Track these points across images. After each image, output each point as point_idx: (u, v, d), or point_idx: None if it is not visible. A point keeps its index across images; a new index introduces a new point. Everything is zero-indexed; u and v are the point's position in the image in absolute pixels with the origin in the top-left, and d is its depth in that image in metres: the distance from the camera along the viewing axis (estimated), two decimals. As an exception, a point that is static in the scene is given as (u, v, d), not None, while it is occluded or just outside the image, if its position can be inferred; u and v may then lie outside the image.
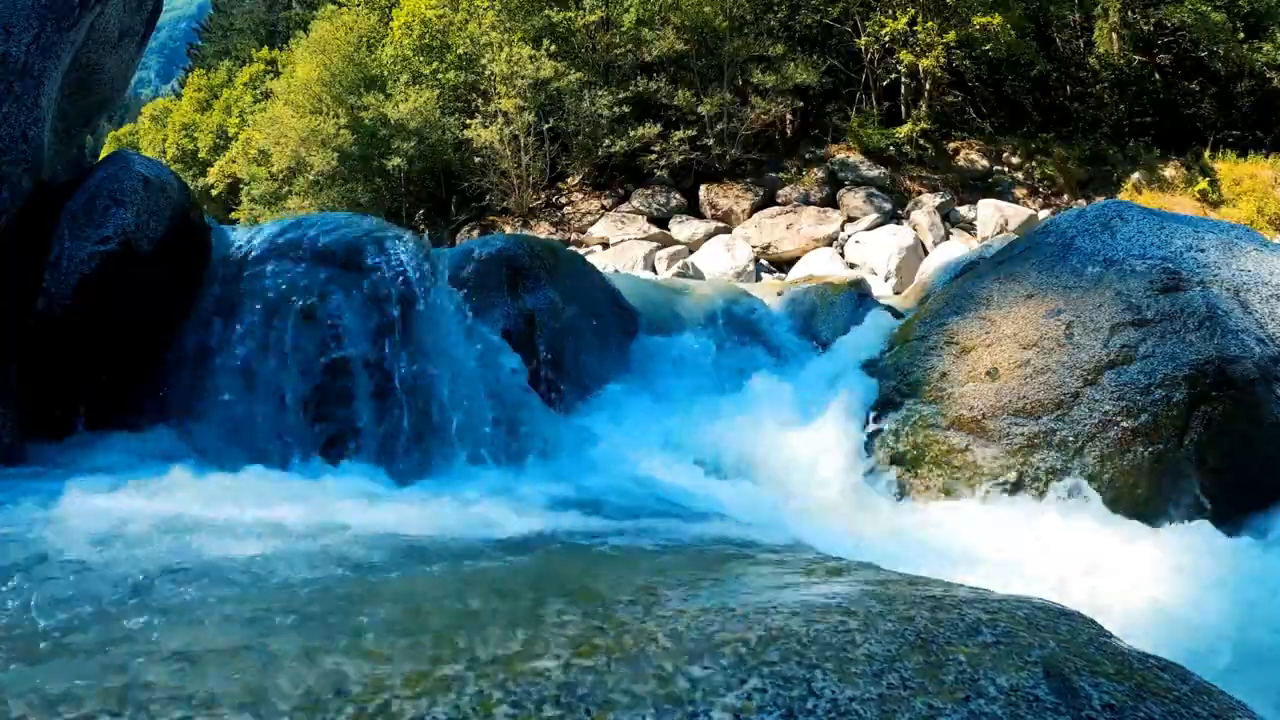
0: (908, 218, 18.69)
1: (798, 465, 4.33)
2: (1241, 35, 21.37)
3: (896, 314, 5.58)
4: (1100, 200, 8.89)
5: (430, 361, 4.18)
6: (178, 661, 1.64)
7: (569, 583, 2.19)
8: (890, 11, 20.20)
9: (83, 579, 2.21)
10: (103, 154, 4.61)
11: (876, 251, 16.79)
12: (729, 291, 6.00)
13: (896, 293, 13.02)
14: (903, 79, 20.53)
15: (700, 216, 19.84)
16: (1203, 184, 19.57)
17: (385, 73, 22.58)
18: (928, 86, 20.50)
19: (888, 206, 18.97)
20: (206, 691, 1.49)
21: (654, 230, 19.14)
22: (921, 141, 20.18)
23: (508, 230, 19.68)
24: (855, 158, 20.27)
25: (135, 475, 3.34)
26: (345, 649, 1.67)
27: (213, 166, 29.41)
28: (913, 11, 19.79)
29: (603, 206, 20.57)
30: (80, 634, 1.84)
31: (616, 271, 12.88)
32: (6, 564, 2.30)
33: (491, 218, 21.18)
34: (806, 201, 19.63)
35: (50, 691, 1.50)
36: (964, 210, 18.98)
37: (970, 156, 20.93)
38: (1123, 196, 18.38)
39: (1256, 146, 20.85)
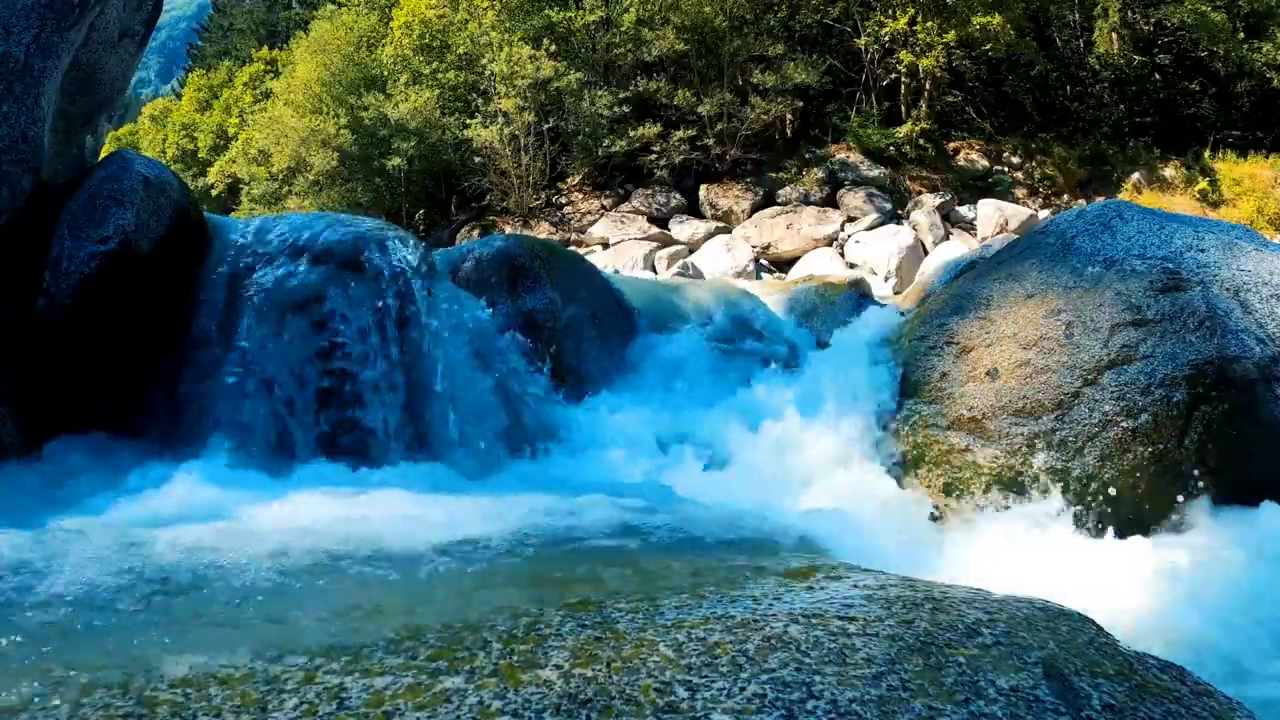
0: (908, 218, 18.68)
1: (797, 464, 4.33)
2: (1241, 35, 21.36)
3: (896, 314, 5.57)
4: (1100, 200, 8.88)
5: (430, 360, 4.18)
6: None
7: (568, 591, 2.18)
8: (890, 11, 20.18)
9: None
10: (103, 154, 4.60)
11: (876, 251, 16.78)
12: (729, 291, 6.00)
13: (896, 293, 13.01)
14: (903, 79, 20.51)
15: (700, 216, 19.83)
16: (1203, 184, 19.56)
17: (385, 73, 22.56)
18: (928, 86, 20.48)
19: (888, 206, 18.95)
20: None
21: (654, 230, 19.13)
22: (921, 141, 20.16)
23: (508, 230, 19.67)
24: (855, 158, 20.26)
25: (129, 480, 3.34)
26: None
27: (213, 166, 29.37)
28: (912, 11, 19.77)
29: (603, 206, 20.56)
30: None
31: (616, 271, 12.87)
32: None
33: (491, 218, 21.16)
34: (806, 201, 19.61)
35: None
36: (964, 210, 18.96)
37: (970, 156, 20.92)
38: (1123, 196, 18.37)
39: (1256, 146, 20.84)
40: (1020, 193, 20.23)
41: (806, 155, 20.77)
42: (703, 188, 20.17)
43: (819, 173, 20.09)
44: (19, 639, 1.85)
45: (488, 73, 20.41)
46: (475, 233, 20.18)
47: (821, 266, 16.41)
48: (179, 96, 39.72)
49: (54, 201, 3.96)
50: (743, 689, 1.46)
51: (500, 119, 20.20)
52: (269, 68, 31.09)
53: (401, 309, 4.16)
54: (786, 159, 20.80)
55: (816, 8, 21.32)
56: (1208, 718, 1.61)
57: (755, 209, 19.60)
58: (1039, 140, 21.10)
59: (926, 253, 17.04)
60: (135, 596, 2.13)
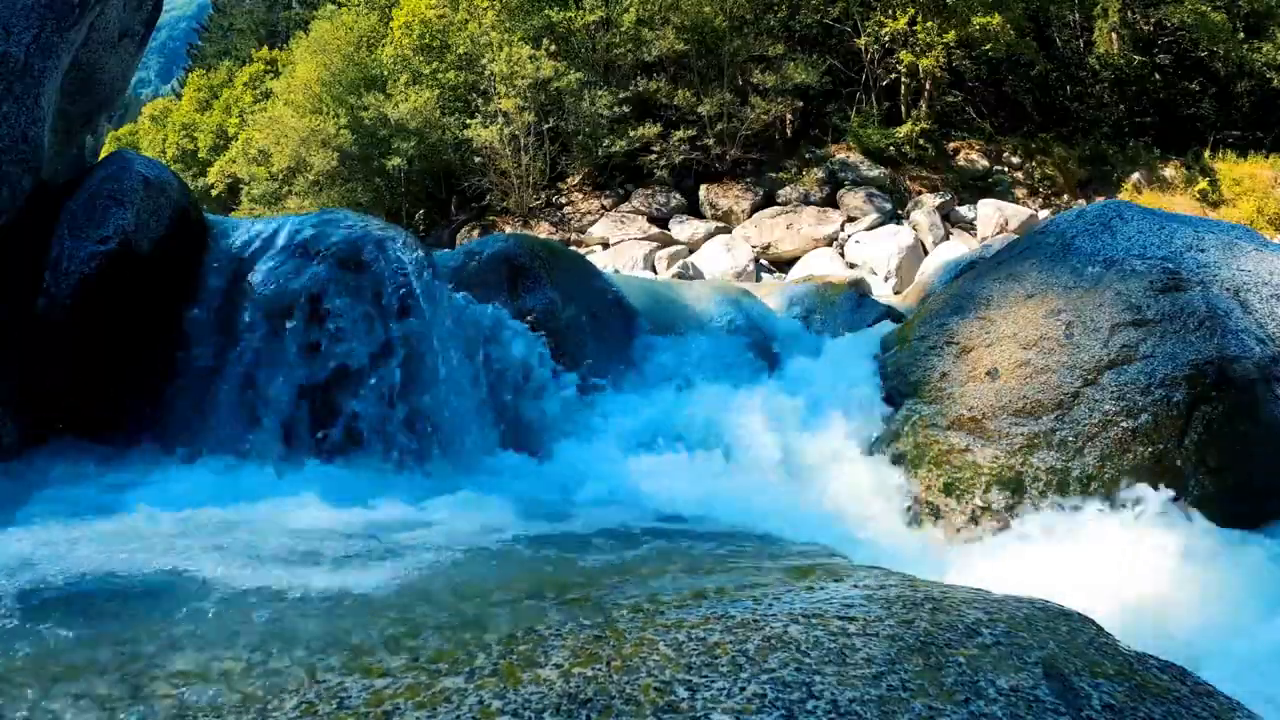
0: (908, 218, 18.68)
1: (797, 464, 4.33)
2: (1241, 35, 21.37)
3: (896, 314, 5.58)
4: (1100, 200, 8.89)
5: (430, 360, 4.18)
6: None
7: (568, 589, 2.18)
8: (890, 11, 20.19)
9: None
10: (103, 154, 4.60)
11: (876, 251, 16.78)
12: (729, 291, 6.01)
13: (896, 293, 13.02)
14: (903, 79, 20.51)
15: (700, 216, 19.83)
16: (1203, 184, 19.57)
17: (385, 73, 22.57)
18: (928, 86, 20.48)
19: (888, 206, 18.96)
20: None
21: (654, 230, 19.13)
22: (921, 141, 20.16)
23: (508, 230, 19.67)
24: (855, 158, 20.26)
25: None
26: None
27: (213, 166, 29.36)
28: (912, 11, 19.78)
29: (603, 206, 20.56)
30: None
31: (616, 271, 12.88)
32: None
33: (491, 218, 21.17)
34: (806, 201, 19.61)
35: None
36: (964, 210, 18.97)
37: (970, 156, 20.92)
38: (1123, 196, 18.38)
39: (1256, 146, 20.84)
40: (1020, 193, 20.24)
41: (806, 155, 20.77)
42: (703, 188, 20.17)
43: (819, 173, 20.10)
44: None
45: (488, 73, 20.42)
46: (475, 233, 20.19)
47: (821, 266, 16.41)
48: (179, 96, 39.72)
49: (54, 201, 3.95)
50: (743, 689, 1.46)
51: (500, 119, 20.21)
52: (269, 68, 31.10)
53: (401, 309, 4.16)
54: (786, 159, 20.80)
55: (816, 8, 21.33)
56: (1208, 718, 1.61)
57: (755, 209, 19.61)
58: (1039, 140, 21.11)
59: (926, 253, 17.04)
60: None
